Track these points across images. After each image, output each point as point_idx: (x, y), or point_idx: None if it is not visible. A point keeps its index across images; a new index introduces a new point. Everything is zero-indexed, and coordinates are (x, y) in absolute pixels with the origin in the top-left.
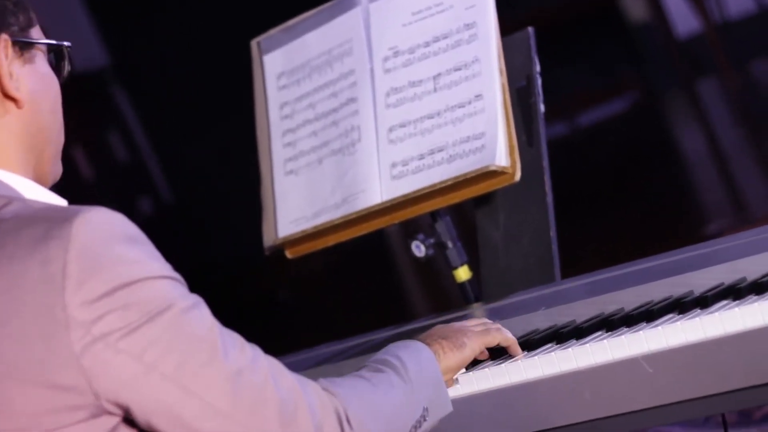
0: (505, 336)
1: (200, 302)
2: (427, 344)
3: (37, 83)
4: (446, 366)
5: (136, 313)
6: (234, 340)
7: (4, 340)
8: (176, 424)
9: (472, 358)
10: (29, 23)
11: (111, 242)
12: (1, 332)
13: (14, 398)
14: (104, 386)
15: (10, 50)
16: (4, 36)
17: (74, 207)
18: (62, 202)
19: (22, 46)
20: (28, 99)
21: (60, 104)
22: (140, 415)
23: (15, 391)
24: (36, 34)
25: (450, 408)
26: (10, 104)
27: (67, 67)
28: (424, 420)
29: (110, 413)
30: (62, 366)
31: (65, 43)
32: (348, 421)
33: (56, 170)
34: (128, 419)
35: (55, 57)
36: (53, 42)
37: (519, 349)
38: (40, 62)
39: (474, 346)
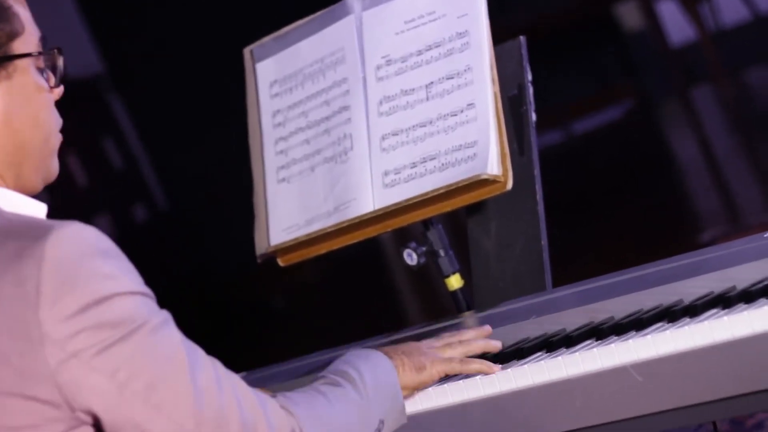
0: (468, 367)
1: (169, 319)
2: (390, 357)
3: (14, 99)
4: (402, 384)
5: (109, 331)
6: (200, 357)
7: None
8: None
9: (427, 384)
10: (11, 36)
11: (84, 258)
12: None
13: None
14: (78, 401)
15: None
16: None
17: (47, 223)
18: (41, 207)
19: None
20: (1, 118)
21: (46, 113)
22: (110, 429)
23: None
24: (20, 45)
25: (405, 419)
26: None
27: (60, 70)
28: None
29: (87, 423)
30: (39, 381)
31: (54, 49)
32: None
33: (45, 175)
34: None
35: (49, 63)
36: (35, 52)
37: (494, 369)
38: (21, 75)
39: (433, 373)
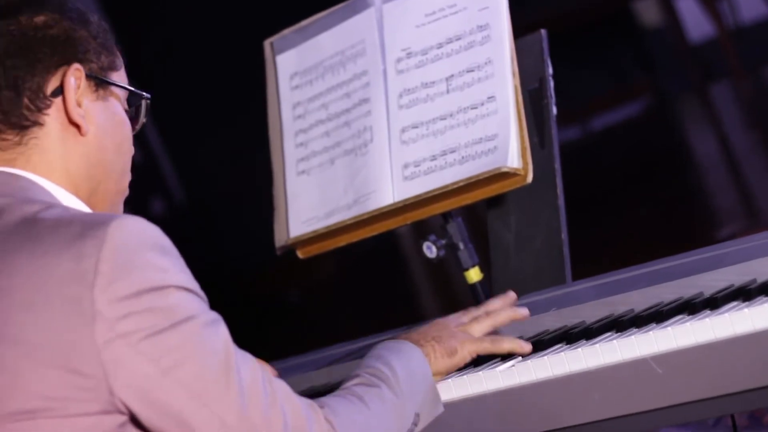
0: (500, 346)
1: (220, 320)
2: (420, 345)
3: (106, 120)
4: (435, 370)
5: (160, 318)
6: (247, 359)
7: (29, 324)
8: (183, 429)
9: (460, 365)
10: (112, 66)
11: (144, 248)
12: (27, 317)
13: (30, 378)
14: (119, 383)
15: (83, 81)
16: (77, 65)
17: (112, 213)
18: None
19: (98, 83)
20: (93, 131)
21: (128, 149)
22: (146, 417)
23: (32, 371)
24: (116, 78)
25: (441, 409)
26: (73, 129)
27: (143, 119)
28: (415, 426)
29: (121, 412)
30: (83, 356)
31: (145, 94)
32: None
33: (113, 211)
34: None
35: (134, 106)
36: (132, 89)
37: (525, 348)
38: (114, 104)
39: (465, 354)
